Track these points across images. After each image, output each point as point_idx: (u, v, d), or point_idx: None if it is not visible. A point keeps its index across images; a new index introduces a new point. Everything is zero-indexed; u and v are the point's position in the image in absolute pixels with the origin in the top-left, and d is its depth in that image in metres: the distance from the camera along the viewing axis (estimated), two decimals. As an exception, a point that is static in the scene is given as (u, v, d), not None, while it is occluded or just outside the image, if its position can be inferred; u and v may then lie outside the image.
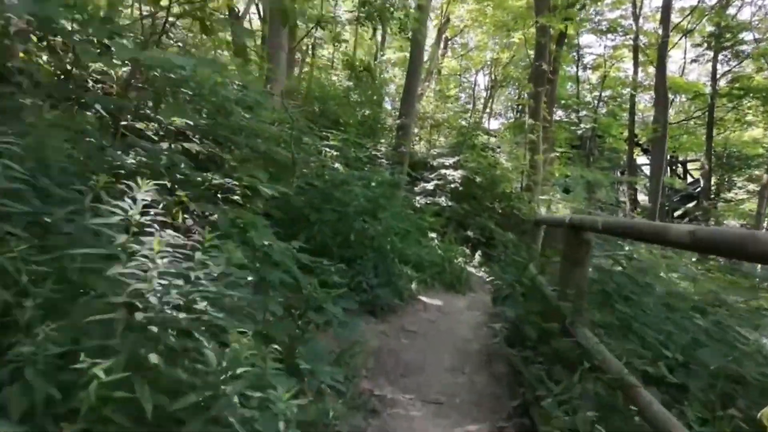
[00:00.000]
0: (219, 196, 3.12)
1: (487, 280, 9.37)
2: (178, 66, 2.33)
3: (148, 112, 3.75)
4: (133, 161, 3.02)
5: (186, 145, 3.20)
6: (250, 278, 2.18)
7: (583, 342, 2.77)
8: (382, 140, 10.96)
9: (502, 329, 4.68)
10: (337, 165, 6.54)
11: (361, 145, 8.33)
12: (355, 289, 4.88)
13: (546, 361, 3.34)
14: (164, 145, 3.20)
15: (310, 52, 16.06)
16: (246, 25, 14.49)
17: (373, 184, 6.07)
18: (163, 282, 1.32)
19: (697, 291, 4.18)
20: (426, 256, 7.05)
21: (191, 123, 3.29)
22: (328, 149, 6.61)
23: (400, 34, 8.08)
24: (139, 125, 3.24)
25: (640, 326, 2.94)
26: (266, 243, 2.36)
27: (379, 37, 17.18)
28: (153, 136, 3.39)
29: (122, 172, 2.87)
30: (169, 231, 2.98)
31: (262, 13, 12.92)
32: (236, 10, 13.15)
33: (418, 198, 9.96)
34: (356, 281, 4.93)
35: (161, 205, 3.06)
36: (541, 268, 4.21)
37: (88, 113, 2.74)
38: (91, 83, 3.51)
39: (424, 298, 5.98)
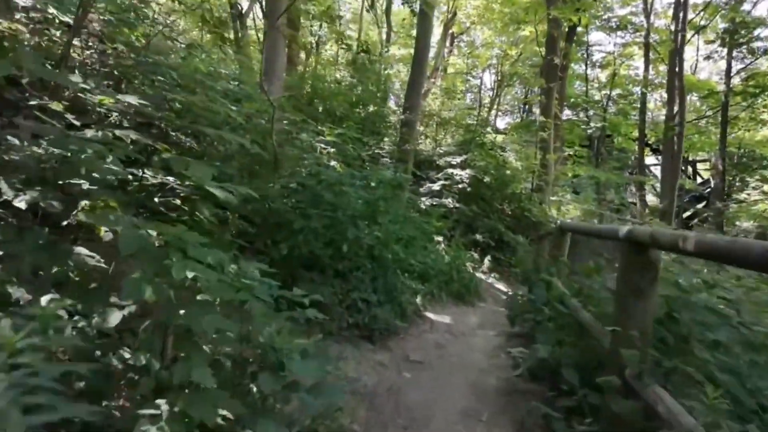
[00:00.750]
0: (156, 200, 2.24)
1: (498, 287, 8.48)
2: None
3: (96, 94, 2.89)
4: (40, 151, 2.16)
5: (119, 132, 2.33)
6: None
7: (662, 410, 1.87)
8: (386, 138, 10.06)
9: (523, 357, 3.79)
10: (333, 163, 5.66)
11: (362, 141, 7.45)
12: (350, 308, 4.01)
13: (595, 421, 2.44)
14: (89, 132, 2.32)
15: (314, 50, 15.23)
16: (249, 22, 13.74)
17: (372, 184, 5.19)
18: None
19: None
20: (432, 263, 6.15)
21: (132, 102, 2.41)
22: (323, 145, 5.72)
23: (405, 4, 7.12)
24: (56, 106, 2.36)
25: (735, 384, 2.04)
26: (191, 274, 1.48)
27: (384, 35, 16.33)
28: (82, 122, 2.51)
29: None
30: (82, 249, 2.12)
31: (264, 7, 12.12)
32: (240, 6, 12.39)
33: (423, 199, 9.04)
34: (351, 299, 4.05)
35: (73, 214, 2.20)
36: (577, 290, 3.30)
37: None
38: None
39: (430, 315, 5.08)
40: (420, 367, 3.66)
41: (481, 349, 4.26)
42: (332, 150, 5.89)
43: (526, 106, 19.84)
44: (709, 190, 21.12)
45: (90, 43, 4.77)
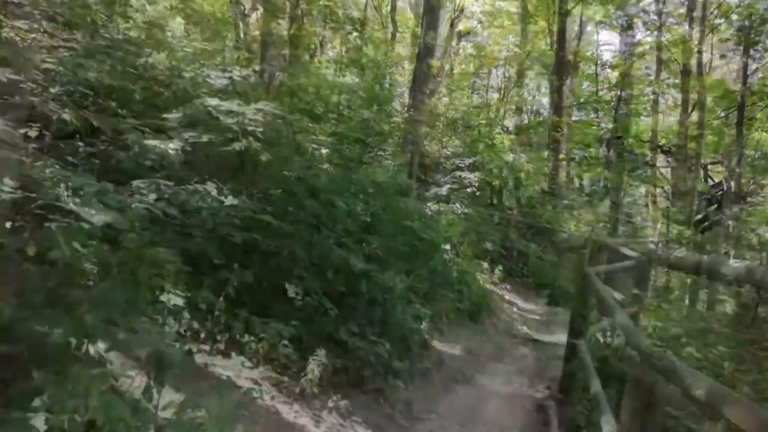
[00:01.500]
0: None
1: (510, 299, 7.58)
2: None
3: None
4: None
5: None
6: None
7: None
8: (390, 139, 9.15)
9: (554, 409, 2.89)
10: (326, 166, 4.79)
11: (363, 143, 6.57)
12: (340, 346, 3.11)
13: None
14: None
15: (318, 50, 14.39)
16: (252, 21, 12.95)
17: (371, 190, 4.31)
18: None
19: None
20: (439, 279, 5.23)
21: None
22: (315, 146, 4.84)
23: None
24: None
25: None
26: None
27: (389, 35, 15.47)
28: None
29: None
30: None
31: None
32: (242, 6, 11.61)
33: (429, 204, 8.12)
34: (339, 333, 3.15)
35: None
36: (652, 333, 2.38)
37: None
38: None
39: (437, 345, 4.17)
40: (424, 428, 2.76)
41: (501, 394, 3.35)
42: (326, 151, 5.03)
43: (534, 108, 18.84)
44: (721, 192, 19.95)
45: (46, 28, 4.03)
